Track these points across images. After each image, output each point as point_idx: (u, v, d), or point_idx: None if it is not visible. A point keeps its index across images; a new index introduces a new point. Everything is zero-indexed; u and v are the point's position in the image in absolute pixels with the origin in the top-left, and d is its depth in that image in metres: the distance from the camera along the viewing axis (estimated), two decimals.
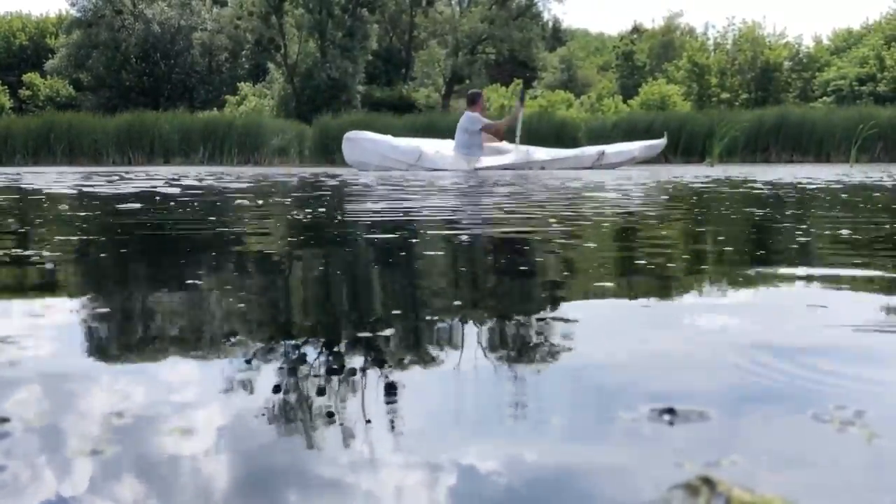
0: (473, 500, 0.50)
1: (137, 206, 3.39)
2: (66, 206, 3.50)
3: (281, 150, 18.33)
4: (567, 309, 1.12)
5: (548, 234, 2.17)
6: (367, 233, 2.31)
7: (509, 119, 10.39)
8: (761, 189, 4.92)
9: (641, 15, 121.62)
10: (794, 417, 0.64)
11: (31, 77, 33.87)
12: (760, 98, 28.72)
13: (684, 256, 1.76)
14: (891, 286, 1.33)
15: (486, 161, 9.61)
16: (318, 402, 0.69)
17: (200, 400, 0.71)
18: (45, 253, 1.75)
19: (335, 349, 0.89)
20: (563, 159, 10.47)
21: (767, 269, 1.49)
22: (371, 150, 9.60)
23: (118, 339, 0.97)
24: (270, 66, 30.98)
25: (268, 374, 0.79)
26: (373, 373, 0.78)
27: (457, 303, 1.16)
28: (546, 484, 0.52)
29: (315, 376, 0.78)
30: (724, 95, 29.91)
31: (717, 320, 1.04)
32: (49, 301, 1.20)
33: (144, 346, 0.94)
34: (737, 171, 9.31)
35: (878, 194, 4.29)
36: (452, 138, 10.10)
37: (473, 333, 0.97)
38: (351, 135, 9.86)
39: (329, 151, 18.09)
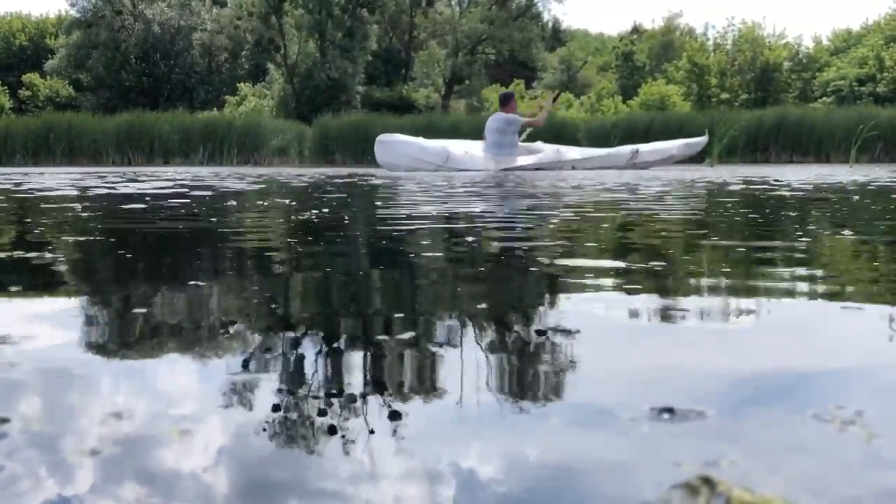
0: (473, 500, 0.50)
1: (181, 206, 3.39)
2: (121, 207, 3.49)
3: (281, 150, 18.33)
4: (570, 309, 1.12)
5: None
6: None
7: (542, 116, 10.43)
8: (799, 190, 4.92)
9: (641, 15, 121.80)
10: (793, 417, 0.64)
11: (30, 77, 33.88)
12: (760, 98, 28.72)
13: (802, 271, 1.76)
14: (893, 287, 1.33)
15: (518, 161, 9.62)
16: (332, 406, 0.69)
17: (201, 400, 0.71)
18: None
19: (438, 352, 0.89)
20: (595, 158, 10.41)
21: (780, 269, 1.49)
22: (402, 152, 9.72)
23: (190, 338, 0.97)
24: (270, 66, 30.99)
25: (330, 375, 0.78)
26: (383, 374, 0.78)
27: (482, 304, 1.16)
28: (546, 484, 0.52)
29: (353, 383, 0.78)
30: (724, 96, 29.92)
31: (726, 323, 1.04)
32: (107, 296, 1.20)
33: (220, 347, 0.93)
34: (749, 172, 9.27)
35: None
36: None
37: (481, 332, 0.97)
38: (383, 137, 9.99)
39: (329, 152, 18.09)
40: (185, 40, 33.27)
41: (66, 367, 0.81)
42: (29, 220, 2.79)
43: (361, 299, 1.24)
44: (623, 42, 38.63)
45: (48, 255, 1.73)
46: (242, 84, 31.56)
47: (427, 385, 0.77)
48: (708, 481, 0.49)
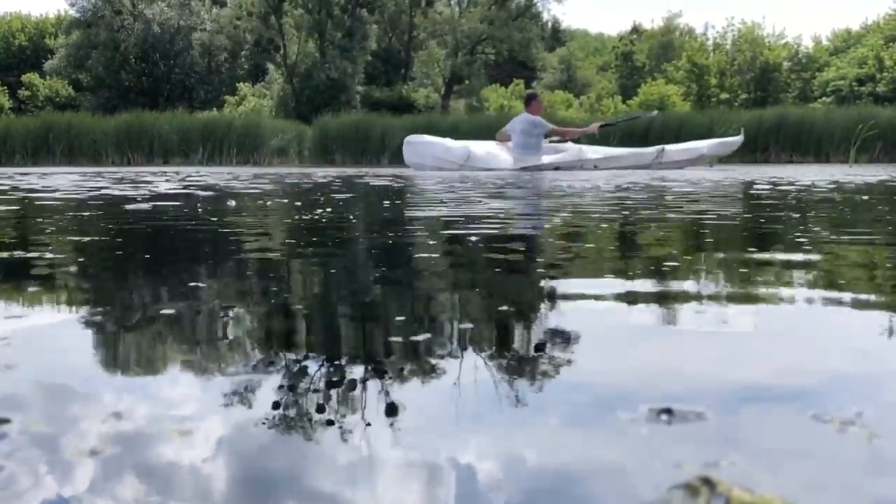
0: (472, 501, 0.50)
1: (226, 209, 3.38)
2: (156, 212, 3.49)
3: (280, 150, 18.32)
4: (573, 308, 1.12)
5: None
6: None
7: (574, 131, 10.48)
8: (833, 188, 4.91)
9: (641, 15, 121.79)
10: (793, 417, 0.64)
11: (30, 77, 33.87)
12: (760, 98, 28.74)
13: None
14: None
15: (536, 160, 9.65)
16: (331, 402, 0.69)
17: (201, 401, 0.71)
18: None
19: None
20: (619, 157, 10.31)
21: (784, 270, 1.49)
22: (428, 152, 9.93)
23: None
24: (270, 66, 30.99)
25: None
26: (383, 371, 0.78)
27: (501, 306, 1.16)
28: (545, 484, 0.52)
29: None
30: (724, 96, 29.94)
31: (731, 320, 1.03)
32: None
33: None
34: (749, 172, 9.26)
35: None
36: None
37: (481, 332, 0.97)
38: (411, 138, 10.21)
39: (328, 152, 18.07)
40: (185, 40, 33.27)
41: (66, 368, 0.81)
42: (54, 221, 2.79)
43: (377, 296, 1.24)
44: (623, 42, 38.66)
45: (56, 256, 1.73)
46: (242, 84, 31.56)
47: (426, 385, 0.77)
48: (708, 482, 0.49)
